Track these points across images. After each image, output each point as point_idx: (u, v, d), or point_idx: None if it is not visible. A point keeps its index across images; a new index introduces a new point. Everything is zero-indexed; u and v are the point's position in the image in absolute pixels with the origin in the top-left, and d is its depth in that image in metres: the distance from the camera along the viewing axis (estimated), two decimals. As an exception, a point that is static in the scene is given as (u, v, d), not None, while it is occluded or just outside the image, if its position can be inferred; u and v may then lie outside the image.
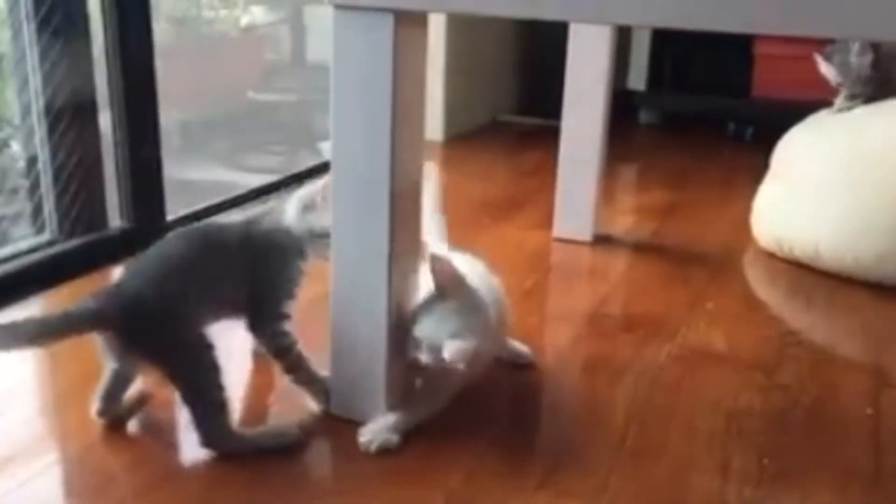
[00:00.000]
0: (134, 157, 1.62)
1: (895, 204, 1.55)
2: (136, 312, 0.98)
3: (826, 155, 1.71)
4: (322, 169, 2.16)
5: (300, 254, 1.10)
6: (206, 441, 1.00)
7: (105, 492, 0.96)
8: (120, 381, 1.05)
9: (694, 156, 2.62)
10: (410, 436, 1.05)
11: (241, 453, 1.01)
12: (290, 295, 1.09)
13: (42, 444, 1.04)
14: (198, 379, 1.00)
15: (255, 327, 1.09)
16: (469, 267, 1.17)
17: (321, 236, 1.08)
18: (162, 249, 1.05)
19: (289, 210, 1.10)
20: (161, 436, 1.07)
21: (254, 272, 1.07)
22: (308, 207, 1.09)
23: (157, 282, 1.00)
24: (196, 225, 1.16)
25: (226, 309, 1.07)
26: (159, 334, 0.99)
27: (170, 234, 1.09)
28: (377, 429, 1.04)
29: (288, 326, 1.09)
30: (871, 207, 1.57)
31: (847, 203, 1.60)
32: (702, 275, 1.65)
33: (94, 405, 1.05)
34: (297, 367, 1.09)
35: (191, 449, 1.03)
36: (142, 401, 1.09)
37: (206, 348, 1.01)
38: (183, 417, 1.09)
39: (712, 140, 2.82)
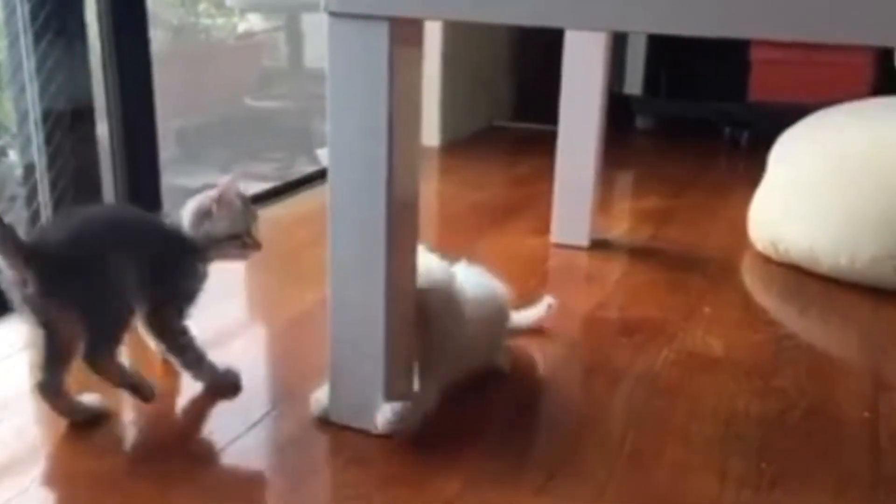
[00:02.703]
0: (131, 165, 1.62)
1: (888, 206, 1.56)
2: (59, 255, 1.02)
3: (820, 157, 1.71)
4: (320, 175, 2.17)
5: (202, 257, 1.15)
6: (89, 355, 1.04)
7: (102, 502, 0.96)
8: (54, 350, 1.05)
9: (690, 160, 2.62)
10: (408, 442, 1.05)
11: (110, 380, 1.07)
12: (191, 297, 1.14)
13: (38, 453, 1.04)
14: (102, 320, 1.05)
15: (153, 323, 1.14)
16: (469, 279, 1.19)
17: (219, 241, 1.13)
18: (89, 212, 1.11)
19: (184, 217, 1.13)
20: (155, 447, 1.07)
21: (162, 265, 1.11)
22: (203, 214, 1.13)
23: (81, 234, 1.05)
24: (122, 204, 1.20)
25: (137, 292, 1.09)
26: (77, 279, 1.02)
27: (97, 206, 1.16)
28: (393, 409, 1.05)
29: (187, 323, 1.15)
30: (864, 209, 1.58)
31: (840, 205, 1.61)
32: (699, 279, 1.65)
33: (35, 376, 1.05)
34: (195, 363, 1.16)
35: (185, 458, 1.03)
36: (102, 415, 1.10)
37: (121, 306, 1.06)
38: (176, 430, 1.09)
39: (708, 145, 2.83)
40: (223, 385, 1.17)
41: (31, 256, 1.00)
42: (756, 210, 1.79)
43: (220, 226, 1.13)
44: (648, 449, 1.07)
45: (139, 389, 1.10)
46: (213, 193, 1.13)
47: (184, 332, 1.14)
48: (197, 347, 1.15)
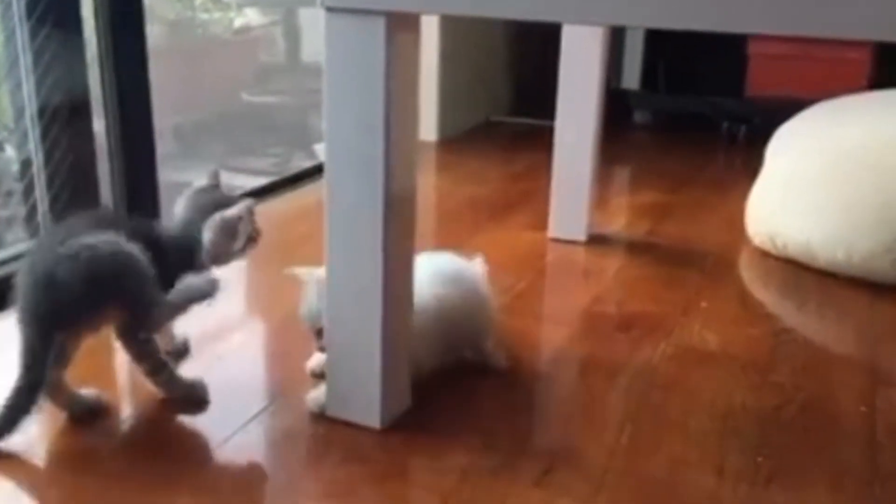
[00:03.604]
0: (128, 160, 1.62)
1: (886, 200, 1.56)
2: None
3: (817, 151, 1.71)
4: (319, 170, 2.16)
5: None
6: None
7: (99, 496, 0.96)
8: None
9: (688, 155, 2.62)
10: (405, 436, 1.05)
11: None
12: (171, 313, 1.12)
13: (36, 446, 1.04)
14: None
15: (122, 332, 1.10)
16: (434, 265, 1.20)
17: (238, 252, 1.12)
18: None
19: (206, 243, 1.10)
20: (152, 442, 1.07)
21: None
22: (230, 238, 1.11)
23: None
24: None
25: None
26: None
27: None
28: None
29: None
30: (862, 204, 1.58)
31: (837, 199, 1.61)
32: (696, 274, 1.65)
33: None
34: (151, 373, 1.12)
35: (182, 453, 1.03)
36: (100, 409, 1.10)
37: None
38: (173, 425, 1.09)
39: (706, 139, 2.83)
40: (186, 399, 1.13)
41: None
42: (753, 205, 1.79)
43: (240, 240, 1.12)
44: (646, 443, 1.07)
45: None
46: (235, 215, 1.10)
47: (147, 340, 1.11)
48: (157, 358, 1.12)
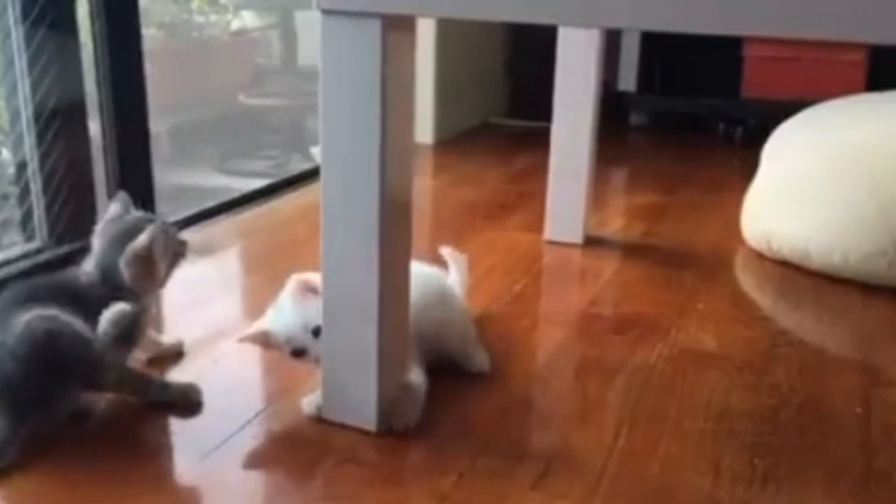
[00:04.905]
0: (124, 163, 1.62)
1: (882, 202, 1.56)
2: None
3: (813, 152, 1.72)
4: (314, 173, 2.17)
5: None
6: None
7: (91, 501, 0.96)
8: None
9: (684, 157, 2.63)
10: (402, 438, 1.05)
11: None
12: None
13: (25, 452, 1.04)
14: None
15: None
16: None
17: (165, 276, 1.12)
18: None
19: (124, 270, 1.08)
20: (147, 445, 1.07)
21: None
22: (146, 268, 1.09)
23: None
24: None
25: None
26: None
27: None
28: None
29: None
30: (858, 205, 1.58)
31: (834, 201, 1.61)
32: (692, 276, 1.65)
33: None
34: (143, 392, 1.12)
35: (177, 456, 1.03)
36: (88, 412, 1.09)
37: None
38: (168, 428, 1.09)
39: (702, 141, 2.84)
40: (181, 403, 1.12)
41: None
42: (749, 207, 1.80)
43: (162, 265, 1.11)
44: (642, 444, 1.07)
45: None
46: (144, 244, 1.08)
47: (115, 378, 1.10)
48: (136, 381, 1.11)
